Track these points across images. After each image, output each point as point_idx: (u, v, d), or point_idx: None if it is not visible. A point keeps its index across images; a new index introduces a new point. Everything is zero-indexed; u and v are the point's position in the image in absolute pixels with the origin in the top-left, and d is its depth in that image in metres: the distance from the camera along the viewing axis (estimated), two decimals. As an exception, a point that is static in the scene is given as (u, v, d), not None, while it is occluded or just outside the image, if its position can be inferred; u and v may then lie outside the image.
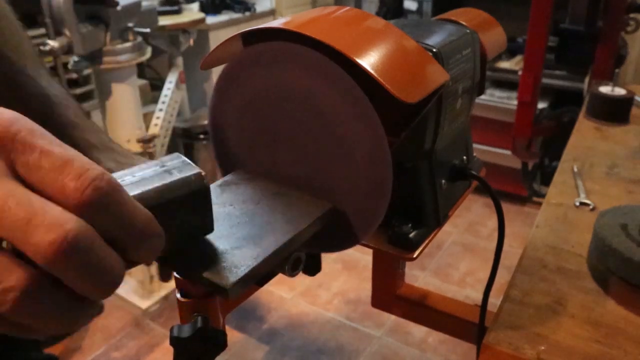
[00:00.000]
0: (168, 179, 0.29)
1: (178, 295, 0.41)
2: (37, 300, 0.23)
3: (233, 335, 1.79)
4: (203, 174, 0.31)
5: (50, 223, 0.22)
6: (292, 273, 0.37)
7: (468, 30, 0.51)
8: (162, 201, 0.29)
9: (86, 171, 0.24)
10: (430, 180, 0.49)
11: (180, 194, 0.29)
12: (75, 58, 1.57)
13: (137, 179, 0.29)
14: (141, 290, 1.92)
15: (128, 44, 1.68)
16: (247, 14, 2.83)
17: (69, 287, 0.24)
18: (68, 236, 0.22)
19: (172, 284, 1.93)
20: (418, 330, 1.79)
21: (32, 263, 0.23)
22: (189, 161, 0.32)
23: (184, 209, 0.30)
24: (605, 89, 1.12)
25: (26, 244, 0.23)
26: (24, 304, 0.23)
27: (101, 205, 0.24)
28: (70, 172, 0.24)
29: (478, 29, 0.53)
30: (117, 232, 0.25)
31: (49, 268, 0.23)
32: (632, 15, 1.62)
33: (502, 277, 0.59)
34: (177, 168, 0.31)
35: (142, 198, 0.28)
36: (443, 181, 0.51)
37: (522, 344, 0.53)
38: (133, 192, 0.28)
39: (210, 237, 0.34)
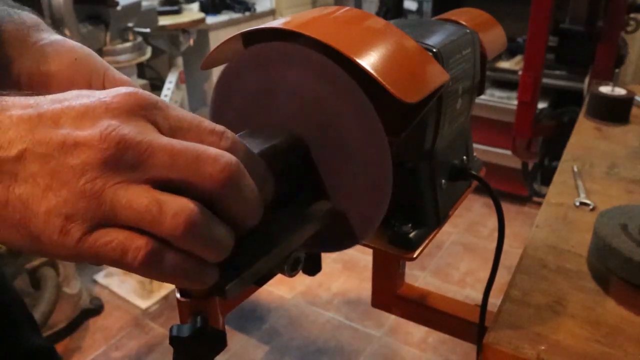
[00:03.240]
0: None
1: (178, 295, 0.41)
2: (205, 220, 0.27)
3: (233, 335, 1.79)
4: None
5: (215, 157, 0.27)
6: (291, 273, 0.37)
7: (468, 30, 0.51)
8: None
9: (215, 127, 0.30)
10: (430, 180, 0.49)
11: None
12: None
13: None
14: (141, 290, 1.92)
15: (128, 44, 1.68)
16: (247, 14, 2.84)
17: (225, 214, 0.29)
18: (232, 164, 0.28)
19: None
20: (418, 330, 1.79)
21: None
22: None
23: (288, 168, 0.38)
24: (605, 89, 1.12)
25: (200, 176, 0.27)
26: (193, 225, 0.26)
27: (235, 149, 0.30)
28: (205, 130, 0.29)
29: (478, 29, 0.53)
30: (250, 169, 0.30)
31: (217, 194, 0.28)
32: (632, 15, 1.62)
33: (502, 277, 0.59)
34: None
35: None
36: (443, 181, 0.51)
37: (522, 344, 0.53)
38: None
39: None
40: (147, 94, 0.29)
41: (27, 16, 0.46)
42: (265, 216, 0.36)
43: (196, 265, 0.28)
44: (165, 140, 0.27)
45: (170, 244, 0.27)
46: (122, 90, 0.28)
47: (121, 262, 0.26)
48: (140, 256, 0.26)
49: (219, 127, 0.30)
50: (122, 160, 0.26)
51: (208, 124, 0.30)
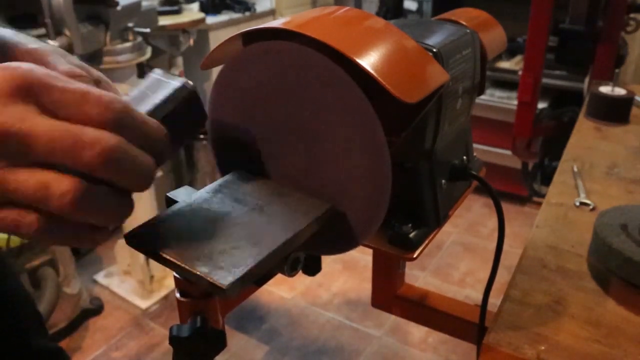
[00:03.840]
0: (160, 97, 0.36)
1: (178, 295, 0.41)
2: (89, 196, 0.29)
3: (233, 335, 1.79)
4: (187, 83, 0.37)
5: (91, 141, 0.28)
6: (290, 273, 0.37)
7: (468, 30, 0.51)
8: (161, 114, 0.35)
9: (101, 98, 0.29)
10: (430, 180, 0.49)
11: (173, 106, 0.36)
12: (75, 58, 1.56)
13: (133, 99, 0.36)
14: (141, 290, 1.92)
15: (128, 44, 1.68)
16: (247, 14, 2.83)
17: (114, 185, 0.30)
18: (106, 147, 0.28)
19: (171, 283, 1.93)
20: (418, 330, 1.79)
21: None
22: (169, 74, 0.38)
23: (180, 113, 0.37)
24: (605, 89, 1.12)
25: (77, 163, 0.28)
26: (79, 201, 0.28)
27: (120, 121, 0.29)
28: (89, 101, 0.29)
29: (478, 29, 0.53)
30: (138, 138, 0.31)
31: (97, 174, 0.28)
32: (632, 15, 1.62)
33: (502, 277, 0.59)
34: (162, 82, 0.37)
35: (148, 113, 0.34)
36: (443, 181, 0.51)
37: (522, 344, 0.53)
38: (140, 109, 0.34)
39: (210, 236, 0.34)
40: (28, 71, 0.28)
41: (6, 35, 0.44)
42: (264, 214, 0.36)
43: (86, 229, 0.31)
44: (44, 126, 0.28)
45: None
46: (1, 69, 0.28)
47: (18, 233, 0.29)
48: (33, 229, 0.29)
49: (105, 97, 0.29)
50: (4, 148, 0.27)
51: (93, 94, 0.29)
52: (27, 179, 0.28)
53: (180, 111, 0.36)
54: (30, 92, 0.28)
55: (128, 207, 0.31)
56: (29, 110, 0.28)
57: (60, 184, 0.28)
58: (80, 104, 0.29)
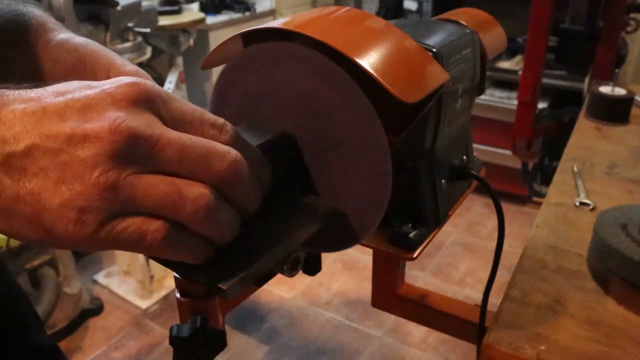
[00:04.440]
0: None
1: (178, 295, 0.41)
2: (219, 205, 0.29)
3: (233, 335, 1.79)
4: None
5: (222, 153, 0.29)
6: (290, 273, 0.37)
7: (468, 30, 0.51)
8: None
9: (216, 120, 0.30)
10: (430, 180, 0.49)
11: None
12: (75, 58, 1.56)
13: None
14: (141, 290, 1.92)
15: (128, 44, 1.68)
16: (247, 14, 2.84)
17: (231, 201, 0.30)
18: (237, 160, 0.29)
19: (171, 283, 1.93)
20: (418, 330, 1.79)
21: None
22: None
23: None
24: (605, 89, 1.12)
25: (208, 172, 0.28)
26: (211, 209, 0.28)
27: (234, 142, 0.31)
28: (206, 122, 0.30)
29: (478, 29, 0.53)
30: (249, 160, 0.31)
31: (223, 187, 0.29)
32: (632, 15, 1.62)
33: (502, 277, 0.59)
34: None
35: None
36: (443, 181, 0.51)
37: (522, 344, 0.53)
38: None
39: None
40: (151, 84, 0.29)
41: (33, 15, 0.45)
42: (264, 214, 0.36)
43: (204, 243, 0.30)
44: (174, 134, 0.28)
45: (182, 225, 0.28)
46: (125, 80, 0.28)
47: (140, 244, 0.27)
48: (160, 237, 0.27)
49: (220, 120, 0.31)
50: (133, 153, 0.26)
51: (209, 116, 0.30)
52: (158, 183, 0.27)
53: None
54: (153, 105, 0.28)
55: (237, 226, 0.31)
56: (154, 119, 0.28)
57: (193, 189, 0.27)
58: (198, 122, 0.30)
